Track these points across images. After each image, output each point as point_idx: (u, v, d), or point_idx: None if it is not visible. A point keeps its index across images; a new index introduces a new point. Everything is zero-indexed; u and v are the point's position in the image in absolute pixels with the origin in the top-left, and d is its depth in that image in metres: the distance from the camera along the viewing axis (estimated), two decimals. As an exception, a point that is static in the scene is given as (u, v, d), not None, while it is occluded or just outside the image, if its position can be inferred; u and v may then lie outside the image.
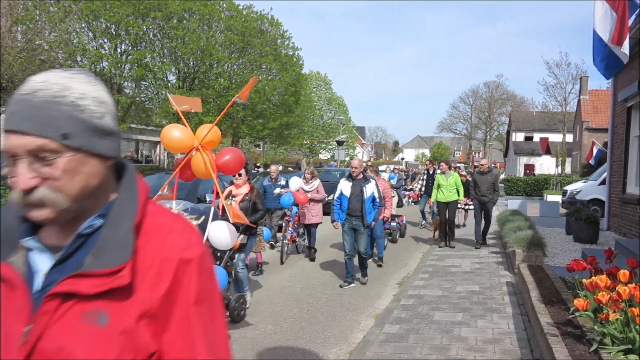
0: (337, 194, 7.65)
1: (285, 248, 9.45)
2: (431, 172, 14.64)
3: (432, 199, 11.66)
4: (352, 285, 7.69)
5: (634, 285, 3.98)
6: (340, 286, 7.66)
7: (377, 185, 7.64)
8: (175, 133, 4.69)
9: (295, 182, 9.62)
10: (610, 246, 9.19)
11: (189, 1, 22.41)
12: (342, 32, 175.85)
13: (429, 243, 12.13)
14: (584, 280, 4.34)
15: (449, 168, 11.44)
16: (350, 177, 7.61)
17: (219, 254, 5.64)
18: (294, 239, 10.06)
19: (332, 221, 7.84)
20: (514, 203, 18.01)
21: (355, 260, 7.97)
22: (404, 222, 13.13)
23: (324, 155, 57.74)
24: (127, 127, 22.51)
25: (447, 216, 11.11)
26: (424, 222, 15.39)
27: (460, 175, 13.37)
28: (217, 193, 4.78)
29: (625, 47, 8.65)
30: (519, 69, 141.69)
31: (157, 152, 32.37)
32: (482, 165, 11.32)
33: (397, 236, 12.32)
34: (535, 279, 6.57)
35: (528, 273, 6.94)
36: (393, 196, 12.79)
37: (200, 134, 4.68)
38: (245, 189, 6.53)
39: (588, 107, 37.87)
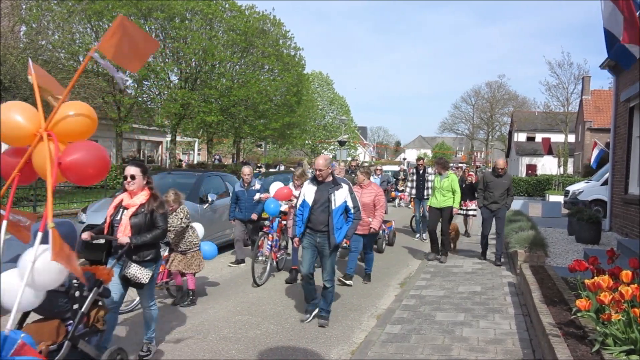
0: (299, 201, 5.95)
1: (268, 266, 8.06)
2: (421, 172, 12.66)
3: (429, 203, 9.96)
4: (315, 312, 6.00)
5: (636, 285, 3.97)
6: (301, 321, 5.98)
7: (351, 191, 5.85)
8: (13, 116, 2.97)
9: (276, 187, 8.30)
10: (612, 247, 9.20)
11: (191, 1, 22.44)
12: (344, 32, 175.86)
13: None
14: (586, 281, 4.34)
15: (445, 168, 9.71)
16: (315, 180, 5.87)
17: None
18: (278, 254, 8.43)
19: (292, 237, 6.14)
20: (516, 203, 17.94)
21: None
22: (393, 228, 11.59)
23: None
24: (129, 128, 22.52)
25: (440, 225, 9.54)
26: (418, 235, 13.01)
27: (468, 175, 12.61)
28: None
29: None
30: (521, 69, 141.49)
31: (160, 152, 32.39)
32: (498, 166, 9.31)
33: (384, 245, 10.74)
34: (537, 279, 6.57)
35: (530, 273, 6.94)
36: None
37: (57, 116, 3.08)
38: (142, 197, 4.55)
39: (590, 108, 37.83)
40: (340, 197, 5.73)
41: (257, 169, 27.90)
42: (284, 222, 8.40)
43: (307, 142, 50.20)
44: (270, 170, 29.99)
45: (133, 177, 4.54)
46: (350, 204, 5.79)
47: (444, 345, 5.09)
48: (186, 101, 22.43)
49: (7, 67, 14.14)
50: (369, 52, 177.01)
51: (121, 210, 4.58)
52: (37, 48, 15.32)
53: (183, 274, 6.65)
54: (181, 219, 6.57)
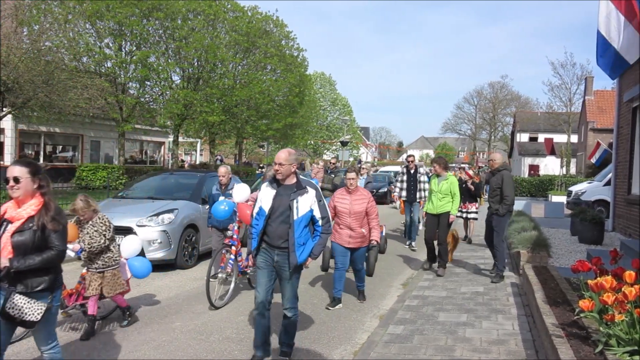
0: (255, 208, 4.73)
1: (232, 285, 6.93)
2: (412, 172, 11.40)
3: (425, 208, 8.87)
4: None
5: (639, 286, 3.96)
6: None
7: (319, 197, 4.63)
8: None
9: (242, 192, 6.86)
10: (615, 247, 9.19)
11: (193, 2, 22.47)
12: (347, 33, 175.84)
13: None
14: (589, 281, 4.33)
15: (445, 169, 8.54)
16: (275, 180, 4.66)
17: None
18: (245, 270, 7.17)
19: (248, 254, 4.83)
20: (518, 204, 17.93)
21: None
22: (384, 233, 10.07)
23: (327, 156, 57.77)
24: (131, 128, 22.56)
25: (436, 233, 8.47)
26: (409, 242, 11.74)
27: (466, 174, 11.83)
28: None
29: None
30: (524, 69, 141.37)
31: (162, 153, 32.45)
32: (492, 161, 8.18)
33: (375, 259, 8.68)
34: (540, 279, 6.56)
35: (533, 274, 6.93)
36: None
37: None
38: (31, 208, 3.41)
39: (593, 108, 37.76)
40: (305, 204, 4.52)
41: (260, 169, 27.95)
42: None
43: (309, 142, 50.27)
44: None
45: (17, 180, 3.38)
46: (317, 214, 4.59)
47: (446, 345, 5.08)
48: (188, 101, 22.45)
49: (10, 68, 14.18)
50: (370, 52, 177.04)
51: (4, 224, 3.41)
52: (39, 49, 15.37)
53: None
54: (101, 232, 5.44)
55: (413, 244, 11.57)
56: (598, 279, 4.28)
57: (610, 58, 10.12)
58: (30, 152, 22.57)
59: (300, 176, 4.69)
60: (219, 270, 6.83)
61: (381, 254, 9.94)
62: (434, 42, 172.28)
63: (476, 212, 11.95)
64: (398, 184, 11.70)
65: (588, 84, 38.86)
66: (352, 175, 6.71)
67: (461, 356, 4.80)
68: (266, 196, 4.62)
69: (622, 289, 3.89)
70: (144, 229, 8.29)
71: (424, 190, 10.98)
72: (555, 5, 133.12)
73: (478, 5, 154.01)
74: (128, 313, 5.84)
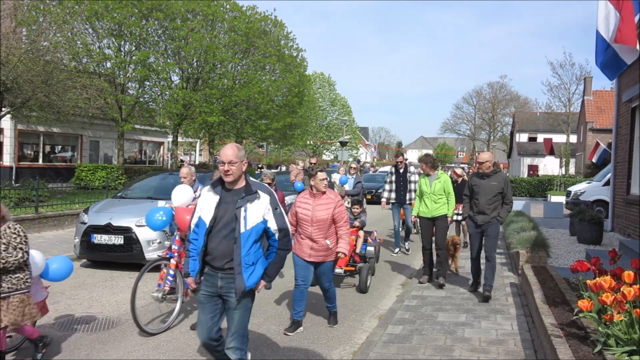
0: (194, 219, 3.80)
1: (177, 305, 5.88)
2: (401, 171, 10.36)
3: (414, 211, 7.90)
4: None
5: (638, 286, 3.97)
6: None
7: (274, 204, 3.71)
8: None
9: (181, 195, 5.92)
10: (614, 247, 9.20)
11: (192, 2, 22.47)
12: (347, 33, 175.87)
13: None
14: (588, 281, 4.33)
15: (434, 168, 7.70)
16: (220, 183, 3.75)
17: None
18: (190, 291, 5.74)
19: (185, 275, 3.89)
20: (517, 204, 17.95)
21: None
22: (377, 240, 8.94)
23: (327, 156, 57.82)
24: (130, 128, 22.55)
25: (434, 239, 7.67)
26: (397, 250, 10.77)
27: (453, 173, 10.86)
28: None
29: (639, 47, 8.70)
30: (523, 69, 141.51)
31: (161, 153, 32.43)
32: (480, 162, 6.98)
33: (368, 275, 7.55)
34: (539, 279, 6.57)
35: (532, 274, 6.93)
36: (360, 213, 8.35)
37: None
38: None
39: (592, 108, 37.80)
40: (256, 213, 3.60)
41: (259, 169, 27.98)
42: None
43: (308, 142, 50.28)
44: (272, 170, 29.99)
45: None
46: (272, 225, 3.68)
47: (445, 345, 5.09)
48: (188, 101, 22.46)
49: (9, 68, 14.17)
50: (370, 52, 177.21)
51: None
52: (39, 49, 15.35)
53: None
54: (16, 245, 4.23)
55: (407, 244, 10.91)
56: (597, 279, 4.28)
57: (609, 58, 10.13)
58: (29, 152, 22.55)
59: (251, 178, 3.80)
60: (156, 288, 5.67)
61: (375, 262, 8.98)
62: (434, 42, 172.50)
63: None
64: (387, 186, 10.57)
65: (587, 84, 38.90)
66: (322, 175, 5.63)
67: (460, 356, 4.80)
68: (207, 204, 3.69)
69: (621, 289, 3.89)
70: (144, 229, 8.28)
71: (414, 190, 9.90)
72: (555, 5, 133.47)
73: (478, 5, 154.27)
74: (41, 345, 4.66)
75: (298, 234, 5.73)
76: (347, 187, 11.24)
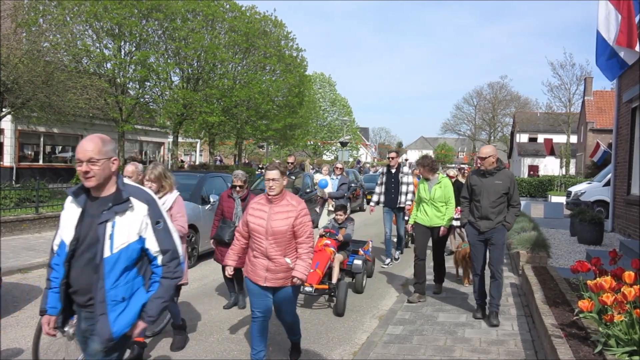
0: (56, 239, 2.84)
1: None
2: (394, 172, 9.25)
3: (411, 219, 7.10)
4: None
5: (638, 286, 3.97)
6: None
7: (156, 215, 2.78)
8: None
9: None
10: (614, 247, 9.20)
11: (192, 2, 22.48)
12: (347, 33, 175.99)
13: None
14: (589, 282, 4.33)
15: (433, 171, 6.85)
16: (85, 190, 2.77)
17: None
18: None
19: (40, 312, 2.91)
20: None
21: None
22: (370, 252, 8.27)
23: (327, 157, 57.83)
24: (131, 128, 22.56)
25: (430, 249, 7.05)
26: (388, 261, 9.56)
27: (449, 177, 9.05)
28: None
29: (638, 48, 8.71)
30: (523, 69, 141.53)
31: (162, 153, 32.44)
32: (482, 157, 5.82)
33: (345, 293, 6.37)
34: (539, 280, 6.56)
35: (532, 274, 6.93)
36: (346, 220, 7.40)
37: None
38: None
39: (592, 108, 37.79)
40: (126, 229, 2.67)
41: (259, 170, 27.94)
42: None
43: (309, 143, 50.28)
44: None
45: None
46: (152, 246, 2.75)
47: (446, 346, 5.08)
48: (188, 101, 22.47)
49: (10, 68, 14.17)
50: (370, 53, 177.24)
51: None
52: (39, 50, 15.36)
53: None
54: None
55: (397, 253, 9.89)
56: (597, 279, 4.28)
57: (609, 59, 10.13)
58: (29, 152, 22.56)
59: (126, 181, 2.81)
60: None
61: (367, 277, 8.02)
62: (434, 42, 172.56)
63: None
64: (377, 188, 9.47)
65: (587, 84, 38.89)
66: (273, 174, 4.26)
67: (460, 356, 4.80)
68: (69, 219, 2.75)
69: (622, 290, 3.89)
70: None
71: (406, 193, 9.11)
72: (555, 5, 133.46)
73: (478, 5, 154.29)
74: None
75: (250, 251, 4.40)
76: (331, 189, 10.00)
